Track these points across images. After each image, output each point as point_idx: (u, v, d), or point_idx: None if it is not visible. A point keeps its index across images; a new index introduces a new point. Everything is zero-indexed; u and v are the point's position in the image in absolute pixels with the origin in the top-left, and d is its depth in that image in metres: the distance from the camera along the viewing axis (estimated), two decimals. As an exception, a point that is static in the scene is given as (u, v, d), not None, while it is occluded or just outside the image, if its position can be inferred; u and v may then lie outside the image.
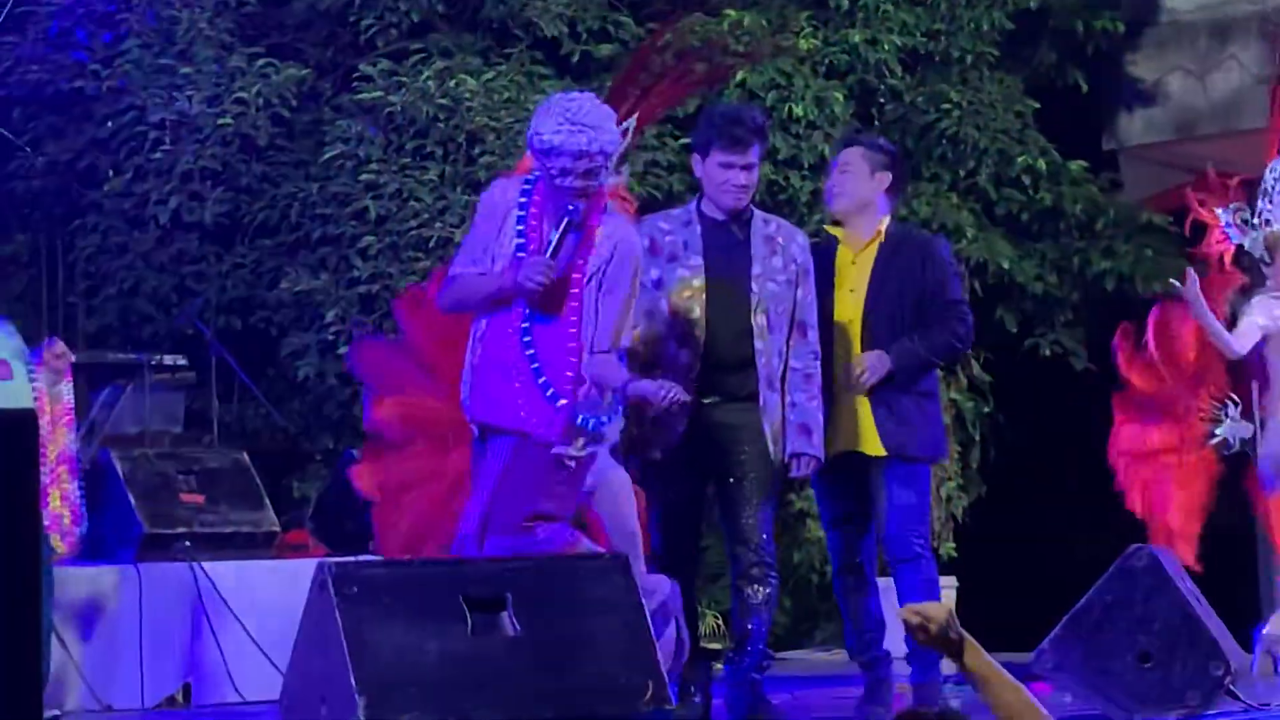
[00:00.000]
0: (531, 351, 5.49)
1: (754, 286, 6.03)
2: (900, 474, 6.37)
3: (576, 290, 5.53)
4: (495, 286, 5.56)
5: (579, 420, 5.44)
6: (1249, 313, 7.60)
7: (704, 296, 6.00)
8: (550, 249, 5.52)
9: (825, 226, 6.73)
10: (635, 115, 7.43)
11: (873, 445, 6.36)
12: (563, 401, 5.49)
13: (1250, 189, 7.94)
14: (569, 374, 5.51)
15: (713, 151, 6.07)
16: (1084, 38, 11.21)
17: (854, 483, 6.44)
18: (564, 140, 5.49)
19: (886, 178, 6.54)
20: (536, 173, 5.59)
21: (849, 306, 6.42)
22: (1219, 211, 7.92)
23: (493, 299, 5.57)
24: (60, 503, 7.34)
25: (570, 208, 5.51)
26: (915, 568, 6.38)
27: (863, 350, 6.34)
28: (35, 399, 7.24)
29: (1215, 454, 7.78)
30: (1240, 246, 7.92)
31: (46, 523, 7.31)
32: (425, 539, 7.60)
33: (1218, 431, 7.82)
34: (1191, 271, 7.44)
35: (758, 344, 6.00)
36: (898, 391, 6.37)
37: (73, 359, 7.40)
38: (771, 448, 6.00)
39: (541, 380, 5.48)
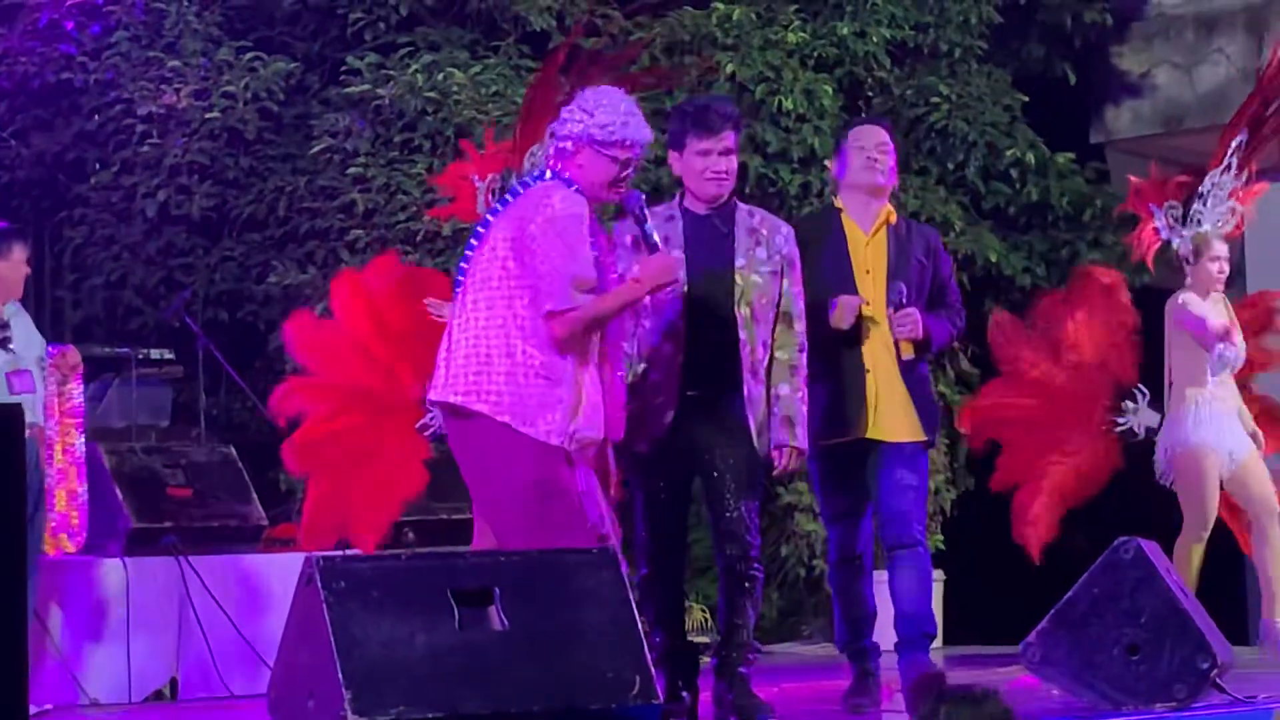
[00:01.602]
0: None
1: (737, 279, 6.02)
2: (905, 455, 6.40)
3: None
4: (620, 301, 5.42)
5: None
6: (1196, 307, 7.80)
7: (686, 290, 6.00)
8: (652, 245, 5.53)
9: (834, 199, 6.72)
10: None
11: (884, 430, 6.38)
12: None
13: (1191, 188, 8.09)
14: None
15: (688, 141, 6.06)
16: (1072, 31, 11.24)
17: (858, 474, 6.45)
18: (633, 130, 5.46)
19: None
20: (568, 176, 5.47)
21: (868, 288, 6.44)
22: (1153, 208, 8.06)
23: (618, 314, 5.46)
24: (67, 503, 7.35)
25: (633, 201, 5.58)
26: (913, 556, 6.39)
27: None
28: (45, 399, 7.28)
29: (1118, 441, 7.98)
30: (1166, 243, 8.06)
31: (53, 523, 7.32)
32: (360, 527, 7.54)
33: (1121, 420, 7.97)
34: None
35: (741, 335, 5.99)
36: (905, 373, 6.40)
37: (82, 367, 7.43)
38: (756, 439, 6.00)
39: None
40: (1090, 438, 8.09)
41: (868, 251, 6.49)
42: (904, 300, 6.38)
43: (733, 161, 6.07)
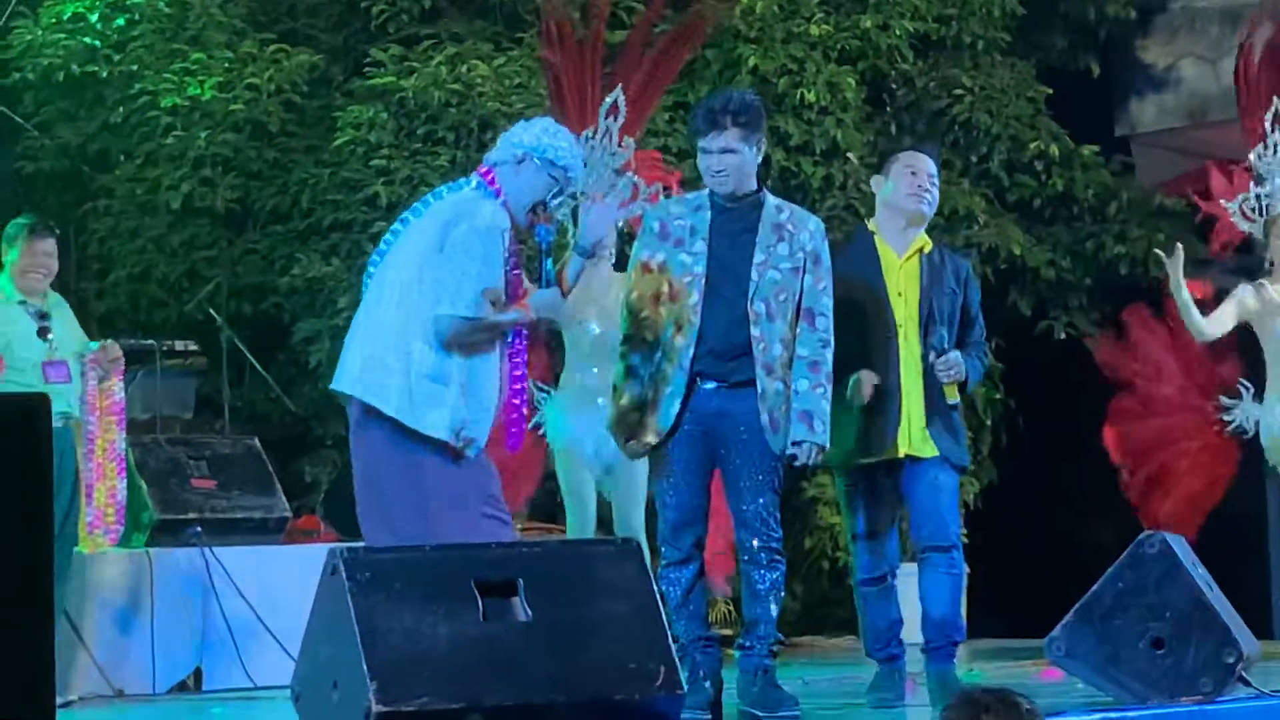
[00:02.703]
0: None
1: (754, 274, 6.00)
2: (938, 462, 6.40)
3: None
4: (507, 321, 5.56)
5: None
6: (1229, 298, 7.67)
7: (703, 282, 5.98)
8: (549, 280, 5.67)
9: (867, 222, 6.71)
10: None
11: (917, 448, 6.38)
12: None
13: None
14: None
15: (696, 140, 6.11)
16: (1096, 23, 11.21)
17: (887, 491, 6.46)
18: (576, 166, 5.67)
19: None
20: (495, 189, 5.60)
21: (900, 311, 6.44)
22: (1225, 203, 8.02)
23: (502, 331, 5.59)
24: (106, 499, 7.35)
25: (543, 234, 5.68)
26: (949, 560, 6.40)
27: (923, 356, 6.41)
28: (85, 394, 7.27)
29: (1231, 439, 7.83)
30: (1250, 235, 8.01)
31: (91, 518, 7.32)
32: None
33: (1228, 417, 7.85)
34: (1179, 246, 7.51)
35: (754, 331, 5.97)
36: (941, 401, 6.40)
37: (123, 362, 7.44)
38: (769, 435, 5.97)
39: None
40: (1207, 440, 7.98)
41: (901, 274, 6.48)
42: (945, 346, 6.39)
43: (732, 159, 6.01)
